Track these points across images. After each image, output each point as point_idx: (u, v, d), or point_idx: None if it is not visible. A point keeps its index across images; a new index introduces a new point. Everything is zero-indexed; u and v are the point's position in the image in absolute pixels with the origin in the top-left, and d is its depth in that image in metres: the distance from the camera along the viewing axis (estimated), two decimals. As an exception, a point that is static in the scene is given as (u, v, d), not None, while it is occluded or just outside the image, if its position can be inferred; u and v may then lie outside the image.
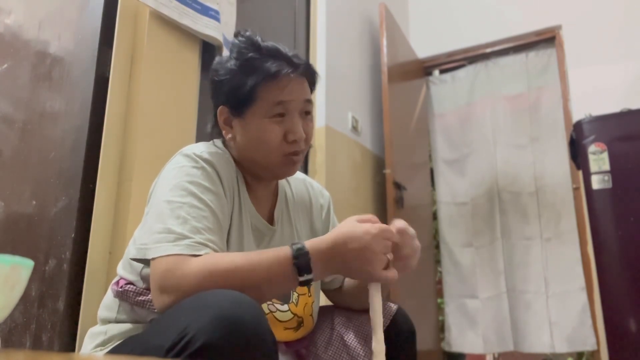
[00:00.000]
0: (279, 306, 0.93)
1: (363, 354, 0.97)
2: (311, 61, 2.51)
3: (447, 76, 3.65)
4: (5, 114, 1.53)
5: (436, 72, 3.74)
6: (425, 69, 3.63)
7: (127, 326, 0.85)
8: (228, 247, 0.88)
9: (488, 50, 3.46)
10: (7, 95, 1.55)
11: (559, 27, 3.20)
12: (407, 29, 3.63)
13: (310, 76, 0.98)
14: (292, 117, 0.92)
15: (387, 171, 2.65)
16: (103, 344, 0.86)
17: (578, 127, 2.62)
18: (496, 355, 3.46)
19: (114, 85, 1.35)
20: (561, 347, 2.88)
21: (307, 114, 0.96)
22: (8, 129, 1.50)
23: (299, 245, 0.76)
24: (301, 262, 0.75)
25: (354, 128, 2.67)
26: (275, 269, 0.75)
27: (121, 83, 1.37)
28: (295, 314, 0.94)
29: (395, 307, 1.01)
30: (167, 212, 0.79)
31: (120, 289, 0.87)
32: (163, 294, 0.73)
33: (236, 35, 0.98)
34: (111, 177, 1.32)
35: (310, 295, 0.99)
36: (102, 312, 0.91)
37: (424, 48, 3.53)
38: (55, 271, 1.23)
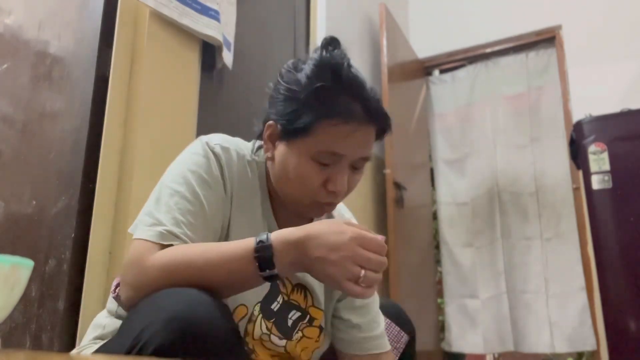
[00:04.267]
0: (275, 339, 0.86)
1: None
2: (311, 61, 2.50)
3: (447, 76, 3.65)
4: (5, 114, 1.53)
5: (436, 72, 3.74)
6: (425, 69, 3.63)
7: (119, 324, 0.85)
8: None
9: (488, 50, 3.46)
10: (7, 95, 1.55)
11: (559, 27, 3.20)
12: (407, 29, 3.62)
13: (381, 127, 0.85)
14: (341, 167, 0.82)
15: (387, 171, 2.65)
16: (99, 337, 0.85)
17: (578, 127, 2.62)
18: (496, 355, 3.46)
19: (114, 85, 1.35)
20: (561, 347, 2.88)
21: (357, 168, 0.86)
22: (8, 129, 1.50)
23: (262, 237, 0.71)
24: (263, 257, 0.69)
25: (354, 128, 2.66)
26: (234, 264, 0.70)
27: (121, 83, 1.37)
28: (288, 352, 0.88)
29: (406, 337, 0.95)
30: (157, 196, 0.80)
31: (114, 295, 0.86)
32: (125, 285, 0.74)
33: (325, 45, 0.84)
34: (111, 177, 1.32)
35: (317, 341, 0.92)
36: (108, 303, 0.90)
37: (424, 48, 3.53)
38: (55, 271, 1.23)
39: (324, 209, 0.86)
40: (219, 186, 0.83)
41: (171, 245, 0.74)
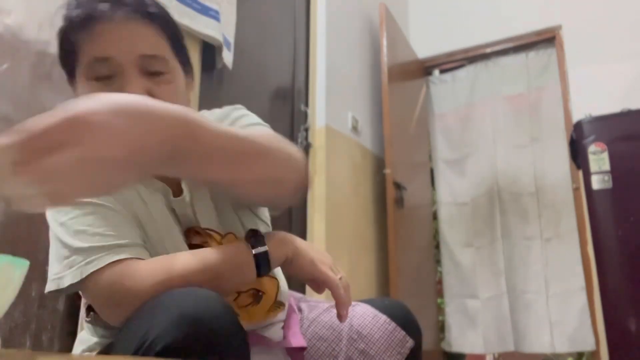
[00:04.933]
0: None
1: None
2: (311, 61, 2.51)
3: (447, 76, 3.65)
4: (5, 114, 1.53)
5: (436, 72, 3.74)
6: (425, 69, 3.63)
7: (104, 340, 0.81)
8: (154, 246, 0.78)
9: (488, 50, 3.46)
10: (7, 95, 1.55)
11: (559, 27, 3.20)
12: (407, 29, 3.63)
13: (153, 18, 0.76)
14: (124, 75, 0.72)
15: (387, 171, 2.65)
16: (87, 350, 0.82)
17: (578, 127, 2.62)
18: (496, 355, 3.46)
19: (114, 85, 1.35)
20: (561, 347, 2.89)
21: (156, 74, 0.74)
22: (8, 129, 1.50)
23: (260, 250, 0.72)
24: (263, 265, 0.71)
25: (354, 128, 2.67)
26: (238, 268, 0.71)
27: (121, 83, 1.37)
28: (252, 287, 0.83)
29: (411, 342, 0.89)
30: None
31: (88, 320, 0.82)
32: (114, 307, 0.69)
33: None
34: (111, 177, 1.31)
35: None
36: (85, 329, 0.86)
37: (424, 48, 3.53)
38: (55, 271, 1.22)
39: None
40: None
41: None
